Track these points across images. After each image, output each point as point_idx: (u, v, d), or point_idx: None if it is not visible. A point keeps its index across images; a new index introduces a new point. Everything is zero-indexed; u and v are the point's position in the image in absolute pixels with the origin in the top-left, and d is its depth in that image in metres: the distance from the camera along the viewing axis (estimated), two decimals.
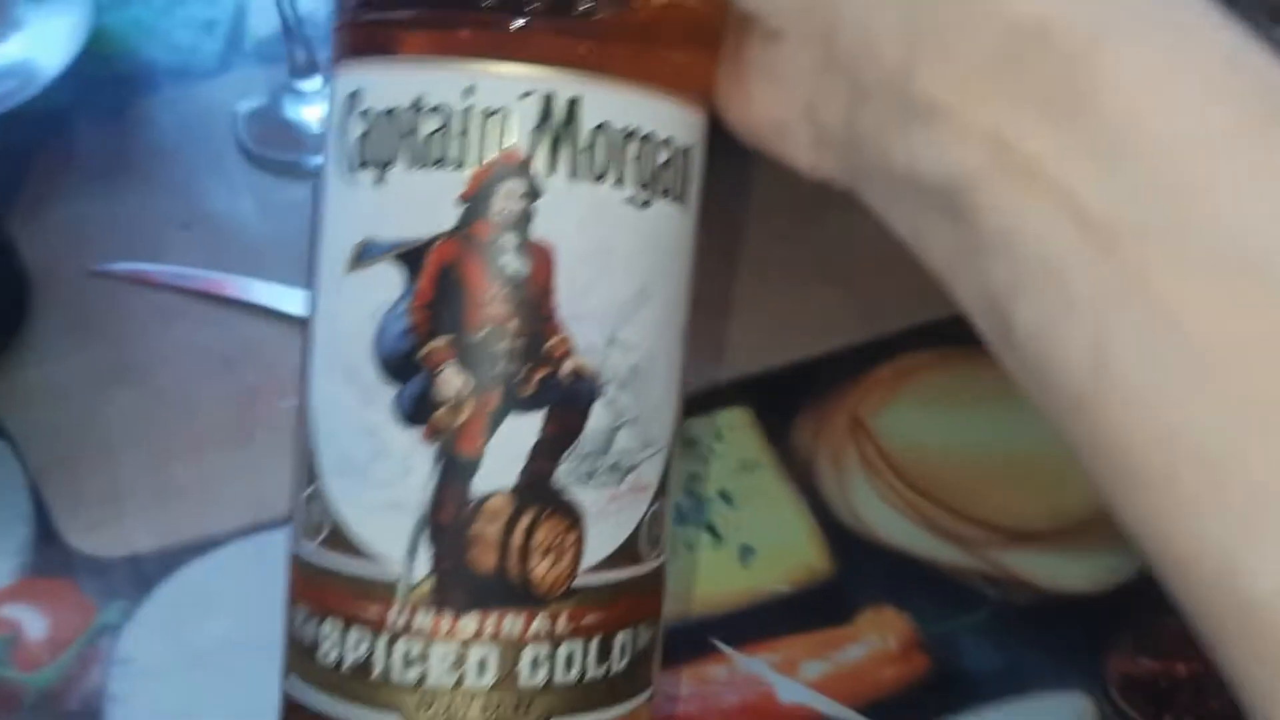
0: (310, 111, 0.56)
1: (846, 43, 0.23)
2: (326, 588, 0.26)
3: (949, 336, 0.48)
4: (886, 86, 0.22)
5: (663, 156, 0.25)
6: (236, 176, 0.55)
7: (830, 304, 0.49)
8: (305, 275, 0.50)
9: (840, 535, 0.43)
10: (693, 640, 0.40)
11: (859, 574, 0.42)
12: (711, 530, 0.43)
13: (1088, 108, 0.20)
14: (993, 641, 0.40)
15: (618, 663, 0.26)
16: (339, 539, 0.25)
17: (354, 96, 0.25)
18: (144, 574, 0.42)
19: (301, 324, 0.47)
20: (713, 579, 0.41)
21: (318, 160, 0.54)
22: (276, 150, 0.55)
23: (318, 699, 0.26)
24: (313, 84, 0.56)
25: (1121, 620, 0.40)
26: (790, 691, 0.39)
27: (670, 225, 0.26)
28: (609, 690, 0.26)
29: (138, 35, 0.62)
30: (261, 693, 0.39)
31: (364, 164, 0.25)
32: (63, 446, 0.45)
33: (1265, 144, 0.19)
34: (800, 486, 0.44)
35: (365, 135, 0.25)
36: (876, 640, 0.40)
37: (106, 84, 0.60)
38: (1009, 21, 0.20)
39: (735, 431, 0.45)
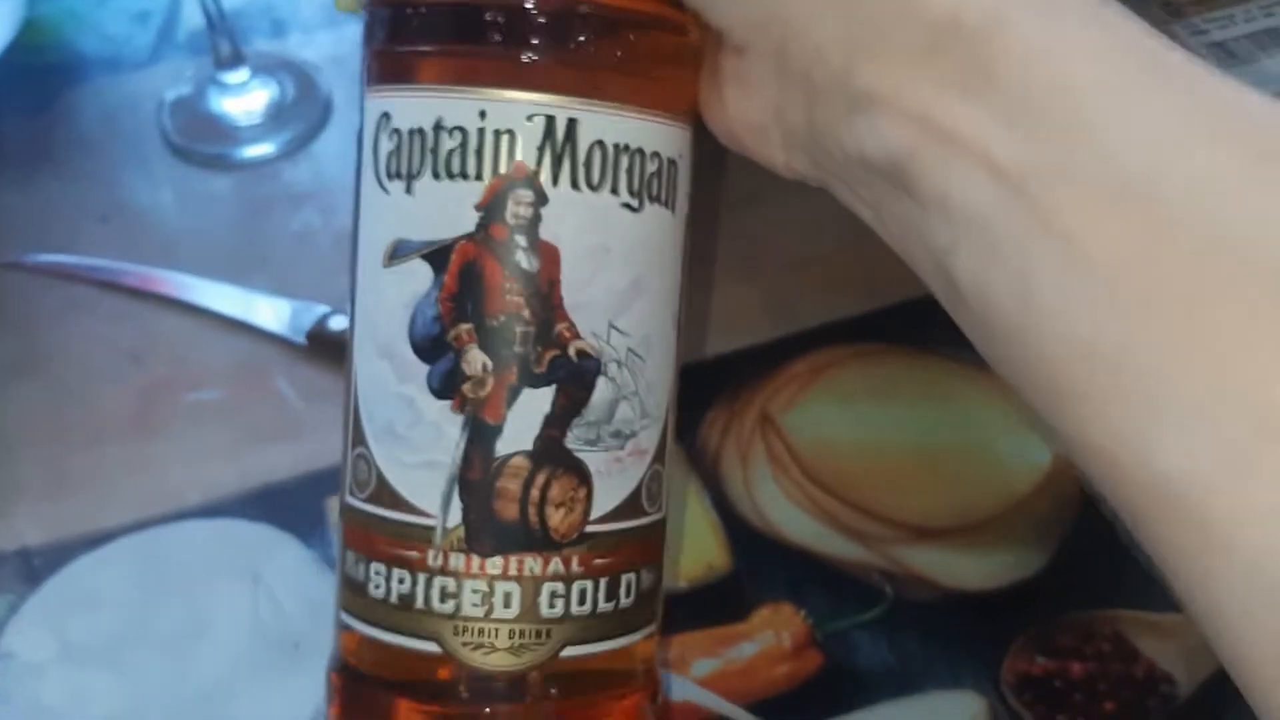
0: (234, 104, 0.56)
1: (797, 51, 0.26)
2: (374, 534, 0.30)
3: (862, 333, 0.48)
4: (833, 85, 0.26)
5: (652, 167, 0.29)
6: (158, 168, 0.55)
7: (743, 301, 0.48)
8: (222, 268, 0.50)
9: (742, 533, 0.42)
10: None
11: (758, 571, 0.41)
12: None
13: (992, 79, 0.23)
14: (888, 639, 0.39)
15: (625, 599, 0.31)
16: (384, 492, 0.30)
17: (385, 117, 0.29)
18: (33, 568, 0.41)
19: (226, 319, 0.48)
20: None
21: (241, 152, 0.54)
22: (199, 142, 0.55)
23: (369, 629, 0.30)
24: (237, 76, 0.56)
25: (1019, 619, 0.39)
26: (680, 689, 0.38)
27: (660, 227, 0.30)
28: (618, 622, 0.31)
29: (71, 25, 0.62)
30: (145, 690, 0.39)
31: (394, 175, 0.29)
32: None
33: (1139, 85, 0.23)
34: (705, 483, 0.43)
35: (395, 151, 0.29)
36: (771, 637, 0.39)
37: (35, 74, 0.59)
38: (927, 19, 0.24)
39: None
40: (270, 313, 0.48)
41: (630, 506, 0.30)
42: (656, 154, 0.29)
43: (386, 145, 0.29)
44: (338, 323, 0.46)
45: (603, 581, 0.30)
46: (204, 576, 0.41)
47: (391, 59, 0.30)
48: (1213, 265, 0.21)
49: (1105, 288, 0.22)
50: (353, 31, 0.61)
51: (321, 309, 0.47)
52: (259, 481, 0.43)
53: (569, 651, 0.30)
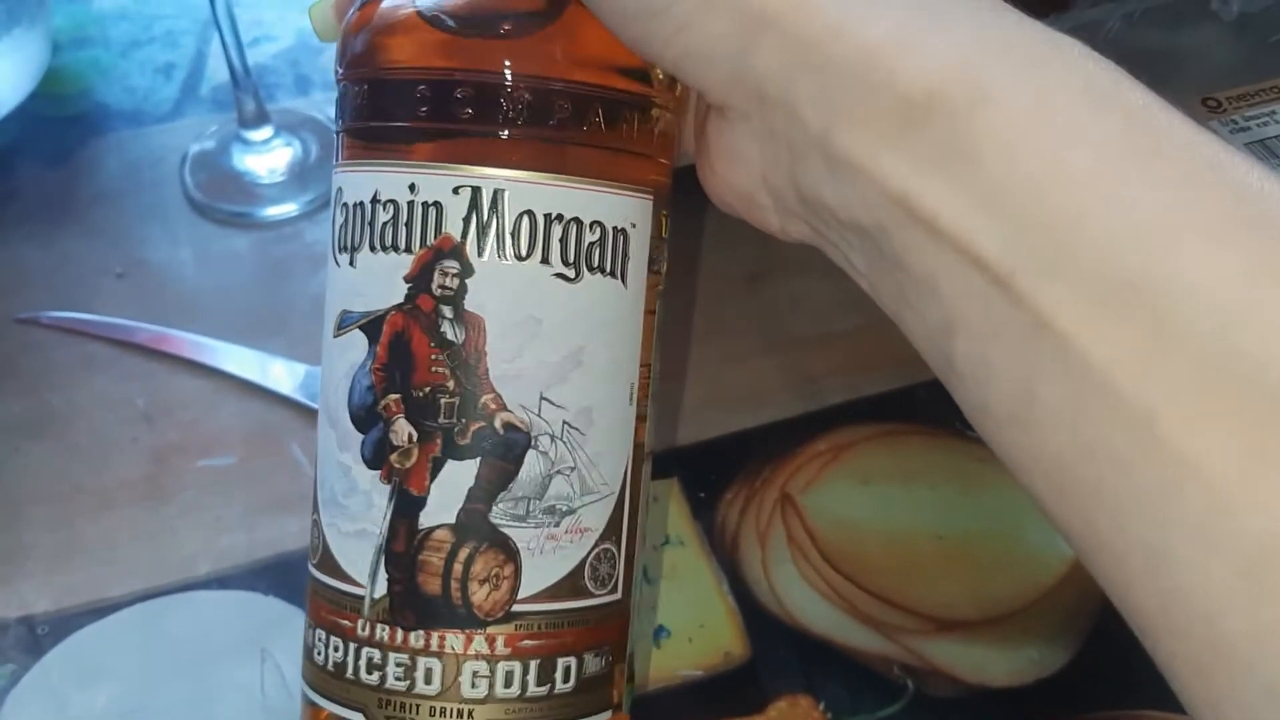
0: (257, 161, 0.56)
1: (774, 111, 0.25)
2: (319, 600, 0.30)
3: (887, 412, 0.47)
4: (813, 146, 0.25)
5: (592, 236, 0.28)
6: (178, 225, 0.54)
7: (765, 375, 0.48)
8: (239, 329, 0.50)
9: (759, 619, 0.41)
10: None
11: (775, 660, 0.40)
12: None
13: (972, 162, 0.22)
14: None
15: (561, 684, 0.29)
16: (327, 560, 0.30)
17: (339, 192, 0.30)
18: (36, 637, 0.40)
19: (240, 381, 0.47)
20: None
21: (263, 211, 0.54)
22: (220, 199, 0.55)
23: (311, 693, 0.31)
24: (261, 134, 0.56)
25: (1041, 715, 0.38)
26: None
27: (605, 297, 0.29)
28: (553, 709, 0.29)
29: (94, 76, 0.62)
30: None
31: (343, 248, 0.30)
32: None
33: (1133, 173, 0.21)
34: (722, 565, 0.42)
35: (344, 224, 0.30)
36: None
37: (57, 125, 0.59)
38: (901, 92, 0.23)
39: (659, 505, 0.44)
40: (286, 376, 0.47)
41: (569, 586, 0.29)
42: (598, 223, 0.28)
43: (339, 219, 0.30)
44: None
45: (533, 664, 0.29)
46: (210, 651, 0.40)
47: (343, 136, 0.30)
48: (1217, 382, 0.20)
49: (1108, 394, 0.21)
50: None
51: None
52: (270, 552, 0.43)
53: None
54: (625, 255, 0.29)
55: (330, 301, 0.30)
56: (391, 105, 0.29)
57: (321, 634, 0.30)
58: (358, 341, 0.29)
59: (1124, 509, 0.21)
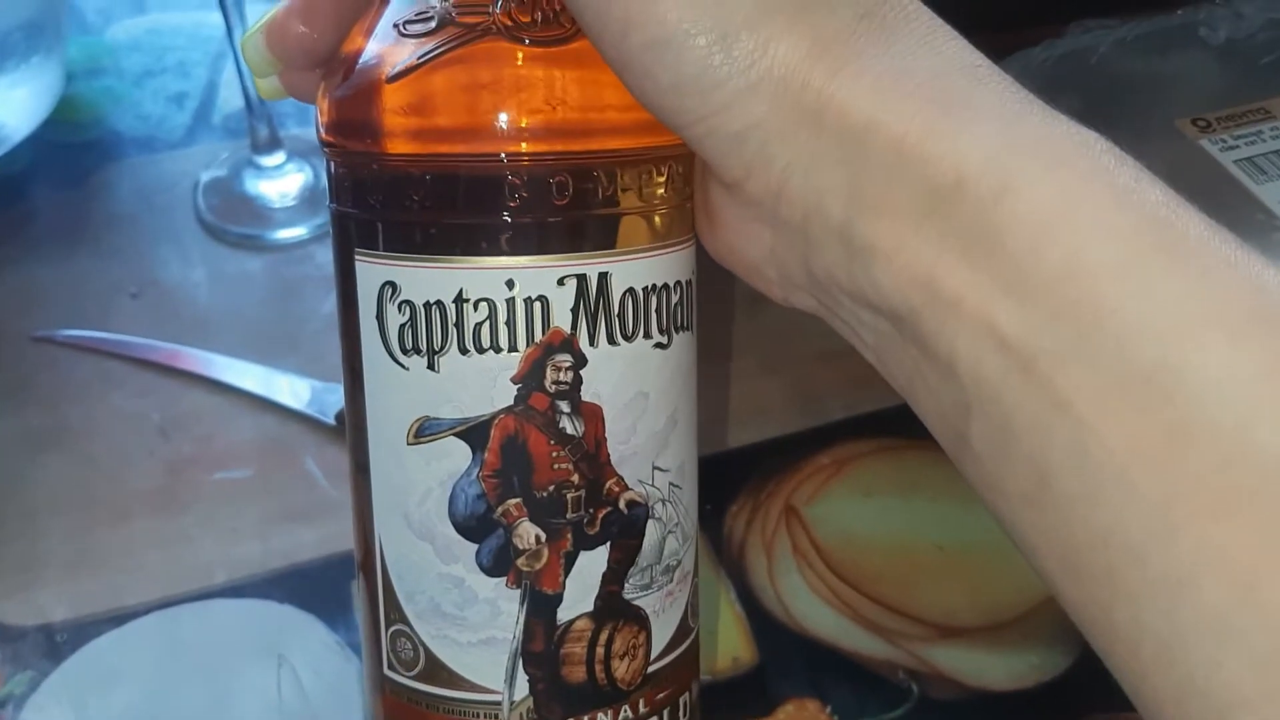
0: (269, 186, 0.57)
1: (795, 198, 0.25)
2: (428, 711, 0.29)
3: (888, 427, 0.48)
4: (833, 234, 0.25)
5: (676, 297, 0.28)
6: (191, 247, 0.55)
7: (769, 392, 0.49)
8: (252, 348, 0.51)
9: (766, 625, 0.42)
10: None
11: (782, 665, 0.41)
12: None
13: (998, 248, 0.22)
14: None
15: (683, 715, 0.30)
16: (438, 672, 0.28)
17: (391, 287, 0.27)
18: (55, 644, 0.41)
19: (254, 397, 0.48)
20: None
21: (274, 234, 0.55)
22: (233, 222, 0.56)
23: None
24: (274, 159, 0.57)
25: (1042, 719, 0.39)
26: None
27: (687, 352, 0.29)
28: None
29: (108, 104, 0.63)
30: None
31: (411, 350, 0.27)
32: None
33: (1154, 266, 0.22)
34: (730, 574, 0.43)
35: (409, 324, 0.27)
36: None
37: (71, 151, 0.60)
38: (932, 179, 0.23)
39: None
40: (298, 392, 0.48)
41: (680, 633, 0.30)
42: (680, 282, 0.28)
43: (397, 317, 0.27)
44: None
45: (664, 712, 0.30)
46: (227, 657, 0.41)
47: (390, 225, 0.27)
48: (1235, 476, 0.20)
49: (1125, 485, 0.21)
50: None
51: None
52: (285, 562, 0.43)
53: None
54: (692, 304, 0.29)
55: (388, 405, 0.28)
56: (480, 197, 0.26)
57: None
58: (454, 449, 0.27)
59: (1137, 598, 0.21)
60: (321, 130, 0.29)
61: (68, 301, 0.53)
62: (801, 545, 0.44)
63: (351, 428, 0.29)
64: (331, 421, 0.47)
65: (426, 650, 0.28)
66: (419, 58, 0.26)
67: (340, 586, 0.43)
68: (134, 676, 0.40)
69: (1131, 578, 0.21)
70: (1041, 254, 0.22)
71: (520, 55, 0.26)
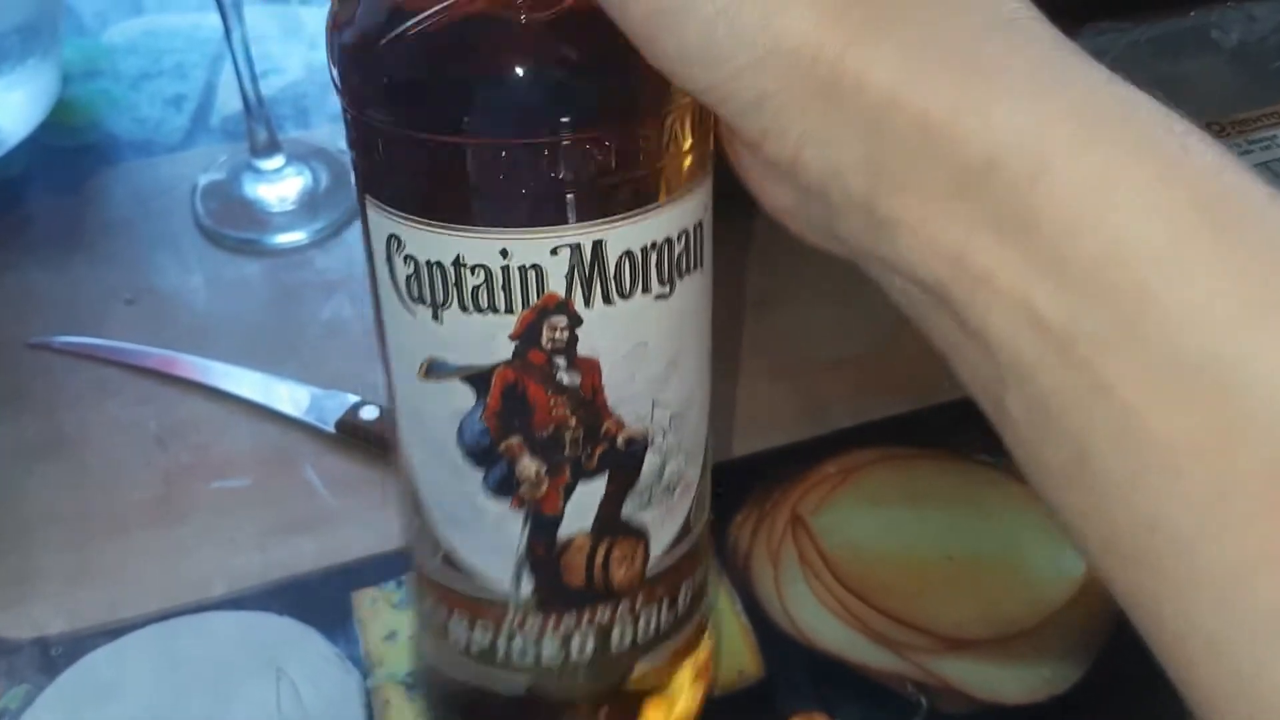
0: (268, 190, 0.56)
1: (813, 168, 0.24)
2: (451, 593, 0.32)
3: (895, 435, 0.47)
4: (855, 205, 0.24)
5: (680, 247, 0.28)
6: (189, 252, 0.55)
7: (774, 400, 0.48)
8: (250, 354, 0.50)
9: (772, 636, 0.41)
10: None
11: (789, 678, 0.40)
12: None
13: (1034, 229, 0.21)
14: None
15: (683, 604, 0.33)
16: (455, 569, 0.31)
17: (395, 240, 0.27)
18: (50, 658, 0.40)
19: (253, 405, 0.47)
20: None
21: (273, 239, 0.54)
22: (231, 227, 0.55)
23: (450, 668, 0.33)
24: (272, 163, 0.56)
25: None
26: None
27: (692, 294, 0.29)
28: (680, 622, 0.34)
29: (105, 108, 0.62)
30: None
31: (417, 300, 0.28)
32: None
33: (1204, 247, 0.20)
34: (735, 585, 0.43)
35: (414, 277, 0.27)
36: None
37: (68, 155, 0.60)
38: (960, 160, 0.22)
39: None
40: (298, 399, 0.48)
41: (682, 534, 0.32)
42: (684, 231, 0.28)
43: (403, 269, 0.28)
44: (368, 413, 0.46)
45: (663, 603, 0.33)
46: (225, 671, 0.40)
47: (395, 186, 0.27)
48: None
49: (1172, 474, 0.20)
50: None
51: (351, 398, 0.47)
52: (284, 573, 0.43)
53: (640, 666, 0.33)
54: (701, 244, 0.29)
55: (401, 342, 0.29)
56: (468, 171, 0.26)
57: (462, 623, 0.32)
58: (459, 390, 0.28)
59: (1184, 590, 0.21)
60: (330, 68, 0.28)
61: (63, 308, 0.52)
62: (808, 555, 0.43)
63: (379, 347, 0.31)
64: (331, 429, 0.46)
65: (446, 550, 0.31)
66: (416, 22, 0.26)
67: (340, 598, 0.42)
68: (131, 690, 0.40)
69: (1179, 568, 0.21)
70: (1080, 238, 0.21)
71: (517, 25, 0.26)
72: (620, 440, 0.29)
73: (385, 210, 0.27)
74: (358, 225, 0.55)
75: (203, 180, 0.57)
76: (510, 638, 0.31)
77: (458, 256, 0.27)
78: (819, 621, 0.42)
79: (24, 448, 0.47)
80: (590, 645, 0.32)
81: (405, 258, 0.27)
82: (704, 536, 0.34)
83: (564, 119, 0.26)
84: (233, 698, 0.40)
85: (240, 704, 0.39)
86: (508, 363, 0.28)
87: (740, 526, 0.44)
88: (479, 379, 0.28)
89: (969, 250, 0.22)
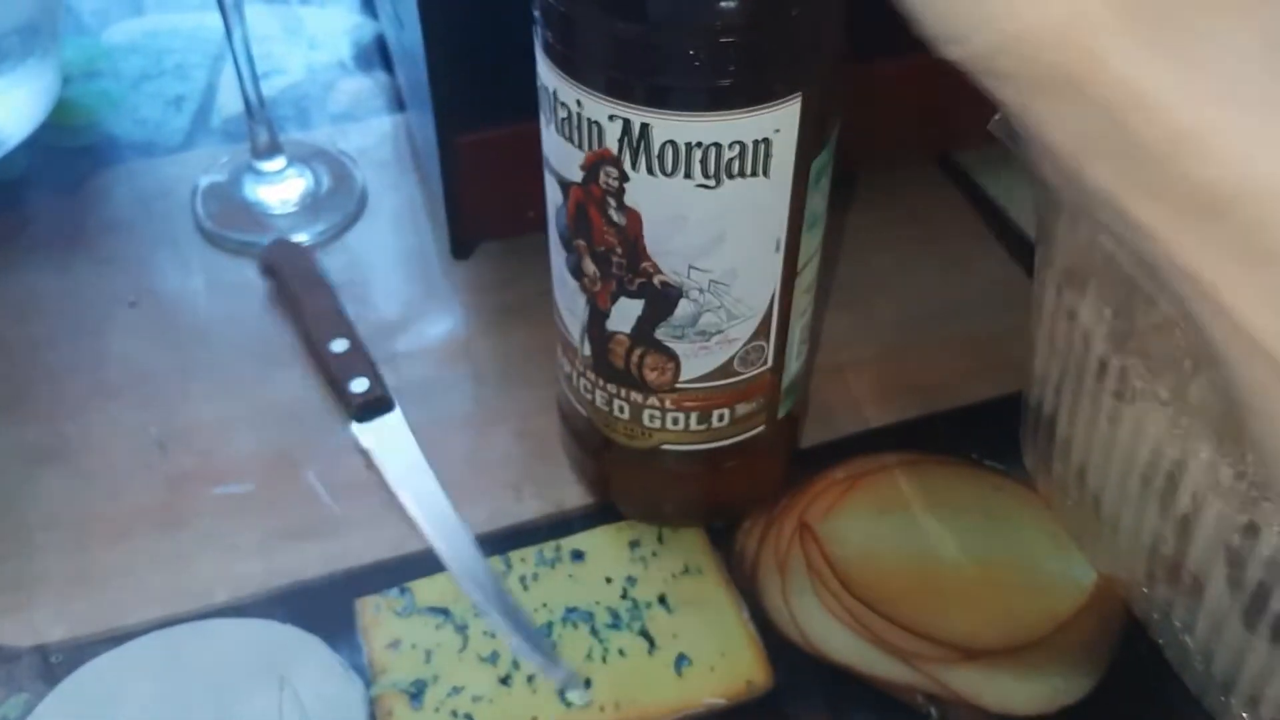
0: (269, 192, 0.56)
1: (1059, 147, 0.24)
2: (560, 334, 0.41)
3: (903, 442, 0.47)
4: (1102, 202, 0.24)
5: (731, 154, 0.33)
6: (190, 254, 0.54)
7: None
8: (253, 356, 0.49)
9: (780, 646, 0.41)
10: None
11: (797, 688, 0.40)
12: (646, 636, 0.41)
13: (1275, 261, 0.22)
14: None
15: (717, 422, 0.40)
16: (559, 315, 0.40)
17: (540, 64, 0.35)
18: (50, 665, 0.40)
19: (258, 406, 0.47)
20: (644, 688, 0.40)
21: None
22: (232, 229, 0.55)
23: (562, 387, 0.43)
24: (274, 164, 0.56)
25: None
26: None
27: (747, 193, 0.34)
28: (712, 434, 0.40)
29: (105, 108, 0.62)
30: None
31: (543, 110, 0.35)
32: None
33: None
34: (743, 594, 0.42)
35: (541, 100, 0.35)
36: None
37: (68, 156, 0.59)
38: (1208, 186, 0.22)
39: (679, 534, 0.44)
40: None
41: (720, 372, 0.38)
42: (737, 143, 0.32)
43: (541, 96, 0.35)
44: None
45: (694, 414, 0.39)
46: (227, 679, 0.40)
47: (532, 22, 0.34)
48: None
49: None
50: (381, 123, 0.61)
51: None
52: (288, 580, 0.42)
53: (668, 446, 0.40)
54: (768, 158, 0.33)
55: (543, 137, 0.36)
56: (572, 34, 0.32)
57: (562, 357, 0.41)
58: (555, 186, 0.36)
59: None
60: None
61: (64, 311, 0.52)
62: (816, 563, 0.43)
63: None
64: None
65: (555, 300, 0.40)
66: None
67: (343, 605, 0.42)
68: (132, 699, 0.39)
69: None
70: None
71: None
72: (656, 280, 0.35)
73: (538, 47, 0.34)
74: (359, 227, 0.55)
75: (203, 182, 0.57)
76: (579, 377, 0.40)
77: (555, 93, 0.34)
78: (827, 631, 0.41)
79: (25, 453, 0.46)
80: (625, 411, 0.39)
81: (540, 87, 0.35)
82: (765, 389, 0.40)
83: (661, 15, 0.31)
84: (235, 706, 0.39)
85: (242, 712, 0.39)
86: (579, 184, 0.35)
87: (747, 534, 0.44)
88: (564, 187, 0.35)
89: (1206, 273, 0.22)
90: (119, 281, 0.53)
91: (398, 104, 0.62)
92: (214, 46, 0.65)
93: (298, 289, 0.50)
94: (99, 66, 0.64)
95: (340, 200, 0.56)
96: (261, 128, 0.55)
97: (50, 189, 0.57)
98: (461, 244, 0.49)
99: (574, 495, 0.45)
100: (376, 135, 0.60)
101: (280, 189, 0.56)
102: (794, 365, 0.41)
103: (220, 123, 0.61)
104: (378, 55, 0.65)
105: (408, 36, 0.49)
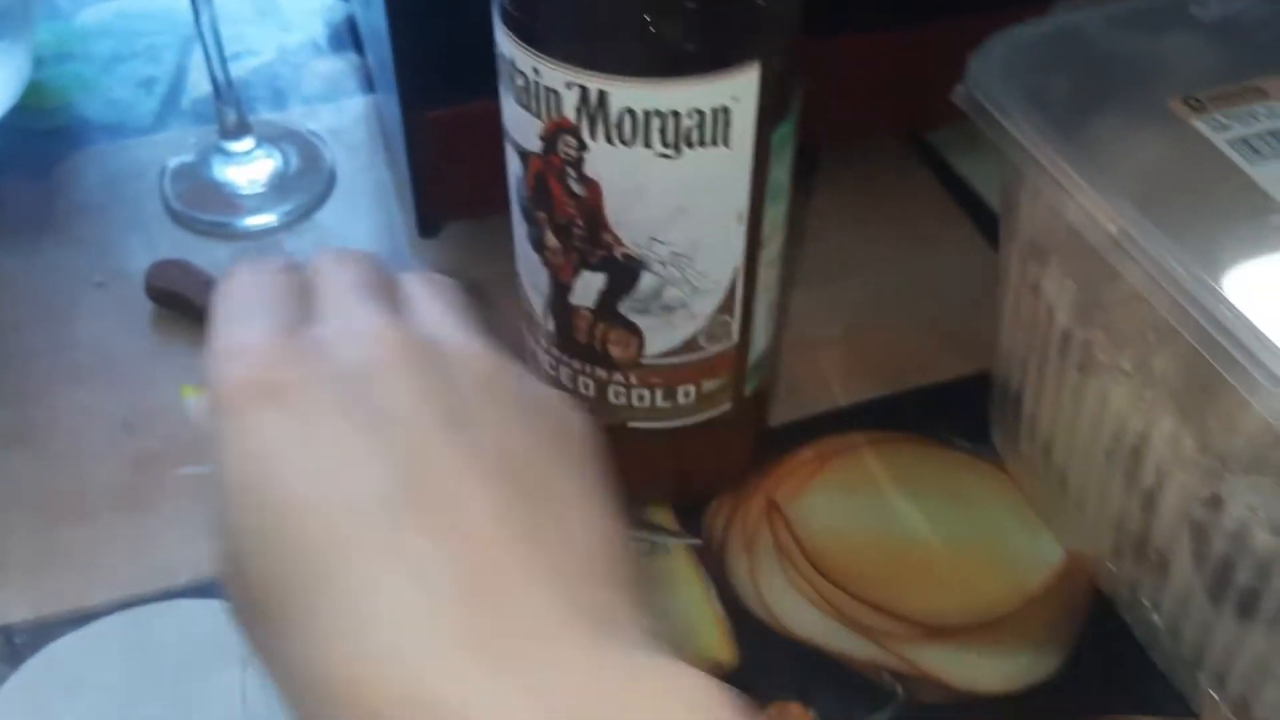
0: (238, 172, 0.55)
1: None
2: (524, 309, 0.40)
3: (873, 420, 0.47)
4: None
5: (690, 122, 0.32)
6: (159, 235, 0.54)
7: None
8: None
9: (747, 625, 0.41)
10: None
11: (764, 667, 0.40)
12: None
13: None
14: None
15: (683, 399, 0.39)
16: (523, 288, 0.39)
17: (497, 34, 0.34)
18: (14, 646, 0.40)
19: None
20: None
21: (243, 221, 0.54)
22: (201, 209, 0.54)
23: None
24: (242, 145, 0.56)
25: None
26: None
27: (707, 163, 0.33)
28: (677, 412, 0.40)
29: (76, 90, 0.62)
30: None
31: (501, 80, 0.35)
32: None
33: None
34: (710, 572, 0.42)
35: (500, 70, 0.35)
36: None
37: (38, 138, 0.59)
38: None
39: (646, 512, 0.44)
40: None
41: (686, 347, 0.38)
42: (695, 111, 0.32)
43: (500, 51, 0.34)
44: None
45: (659, 390, 0.39)
46: (192, 658, 0.40)
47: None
48: None
49: None
50: (354, 104, 0.61)
51: None
52: None
53: (634, 424, 0.40)
54: (727, 127, 0.33)
55: (503, 91, 0.35)
56: (520, 1, 0.32)
57: (527, 331, 0.40)
58: (515, 158, 0.36)
59: None
60: None
61: (32, 293, 0.51)
62: (784, 542, 0.43)
63: None
64: None
65: (520, 274, 0.39)
66: None
67: None
68: (97, 680, 0.39)
69: None
70: None
71: None
72: (618, 253, 0.35)
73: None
74: (327, 207, 0.55)
75: (172, 163, 0.56)
76: (544, 354, 0.39)
77: (513, 61, 0.33)
78: (795, 610, 0.41)
79: None
80: (591, 388, 0.39)
81: (497, 53, 0.34)
82: (731, 365, 0.39)
83: None
84: (198, 685, 0.39)
85: (206, 694, 0.39)
86: (538, 154, 0.34)
87: (715, 514, 0.44)
88: (523, 158, 0.35)
89: None
90: (87, 263, 0.53)
91: (369, 85, 0.62)
92: (185, 28, 0.64)
93: (201, 300, 0.48)
94: (70, 48, 0.64)
95: (309, 180, 0.55)
96: (229, 108, 0.54)
97: (20, 172, 0.57)
98: (428, 222, 0.49)
99: None
100: (348, 116, 0.60)
101: (248, 169, 0.55)
102: (760, 341, 0.40)
103: (190, 104, 0.60)
104: (349, 36, 0.65)
105: (374, 14, 0.48)
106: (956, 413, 0.47)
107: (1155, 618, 0.38)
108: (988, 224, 0.54)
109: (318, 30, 0.65)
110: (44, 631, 0.40)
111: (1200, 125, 0.35)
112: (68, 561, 0.42)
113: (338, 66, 0.63)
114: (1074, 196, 0.32)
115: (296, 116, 0.59)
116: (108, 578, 0.42)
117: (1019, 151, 0.34)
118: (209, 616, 0.41)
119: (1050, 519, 0.43)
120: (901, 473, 0.45)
